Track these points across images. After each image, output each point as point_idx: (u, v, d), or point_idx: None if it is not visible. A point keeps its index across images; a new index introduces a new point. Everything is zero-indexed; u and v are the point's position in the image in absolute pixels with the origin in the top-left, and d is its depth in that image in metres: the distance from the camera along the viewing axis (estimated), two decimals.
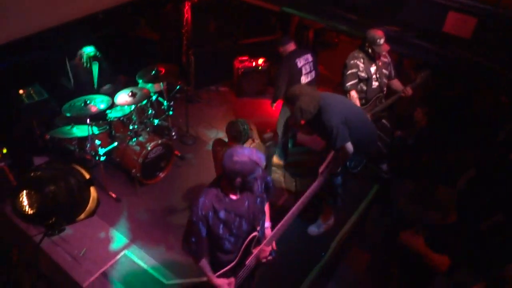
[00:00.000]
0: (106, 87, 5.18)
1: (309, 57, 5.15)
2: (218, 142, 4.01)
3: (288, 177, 5.40)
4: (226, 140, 3.92)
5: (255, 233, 2.81)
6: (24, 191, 1.76)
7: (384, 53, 4.53)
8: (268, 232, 3.01)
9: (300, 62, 5.10)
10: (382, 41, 4.35)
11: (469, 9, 4.30)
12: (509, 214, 3.98)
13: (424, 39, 4.68)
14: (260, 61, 6.78)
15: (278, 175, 5.44)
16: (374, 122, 4.60)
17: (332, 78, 6.90)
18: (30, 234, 3.68)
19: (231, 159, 2.48)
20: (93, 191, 1.96)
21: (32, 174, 1.81)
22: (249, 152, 2.51)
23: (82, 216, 1.93)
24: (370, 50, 4.44)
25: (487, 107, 5.10)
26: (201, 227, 2.64)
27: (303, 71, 5.11)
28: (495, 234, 3.94)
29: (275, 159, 5.62)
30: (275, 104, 5.45)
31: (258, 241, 2.87)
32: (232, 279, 2.88)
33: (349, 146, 3.73)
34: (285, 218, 2.87)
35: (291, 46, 5.15)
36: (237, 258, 2.84)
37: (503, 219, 4.01)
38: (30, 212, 1.76)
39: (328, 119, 3.66)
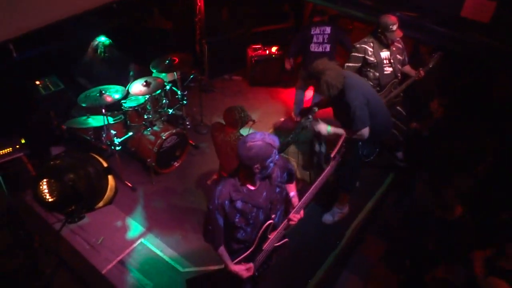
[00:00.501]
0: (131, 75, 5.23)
1: (326, 29, 5.24)
2: (216, 126, 4.05)
3: (302, 168, 5.39)
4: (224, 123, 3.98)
5: (270, 221, 2.82)
6: (45, 180, 1.79)
7: (398, 38, 4.45)
8: (295, 200, 3.00)
9: (314, 30, 5.24)
10: (395, 27, 4.26)
11: None
12: None
13: (441, 24, 4.57)
14: (274, 49, 6.73)
15: (292, 164, 5.43)
16: (389, 108, 4.55)
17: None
18: (50, 222, 3.77)
19: (245, 146, 2.47)
20: (111, 179, 1.98)
21: (51, 162, 1.83)
22: (261, 136, 2.50)
23: (101, 204, 1.95)
24: (382, 37, 4.37)
25: (506, 94, 4.98)
26: (217, 216, 2.66)
27: (314, 39, 5.22)
28: None
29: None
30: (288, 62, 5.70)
31: (274, 227, 2.88)
32: (250, 265, 2.90)
33: (366, 130, 3.68)
34: (310, 190, 2.89)
35: (316, 18, 5.38)
36: (254, 245, 2.85)
37: None
38: (51, 200, 1.79)
39: (352, 98, 3.58)
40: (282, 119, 6.25)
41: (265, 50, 6.73)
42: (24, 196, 4.59)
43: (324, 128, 3.84)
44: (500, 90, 5.08)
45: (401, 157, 5.30)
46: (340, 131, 3.78)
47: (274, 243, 2.94)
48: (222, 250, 2.84)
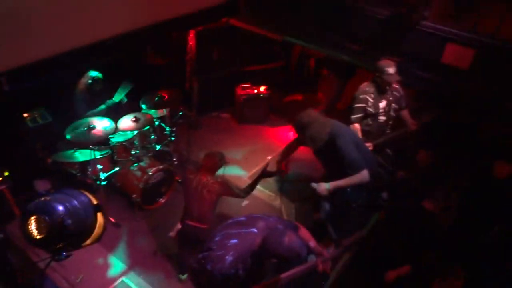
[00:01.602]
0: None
1: None
2: (191, 170, 4.12)
3: (287, 204, 5.38)
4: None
5: None
6: (34, 216, 1.77)
7: (395, 86, 4.51)
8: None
9: None
10: (391, 70, 4.29)
11: (467, 41, 4.41)
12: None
13: (424, 69, 4.76)
14: (262, 88, 6.86)
15: (277, 203, 5.43)
16: (376, 152, 4.61)
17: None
18: (32, 257, 3.67)
19: (280, 243, 2.60)
20: (100, 217, 1.97)
21: (42, 198, 1.82)
22: (298, 244, 2.68)
23: (88, 241, 1.93)
24: (379, 80, 4.38)
25: (489, 137, 5.12)
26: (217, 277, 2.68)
27: None
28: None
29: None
30: None
31: None
32: None
33: (365, 172, 3.69)
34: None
35: None
36: None
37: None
38: (39, 237, 1.77)
39: (343, 143, 3.61)
40: (269, 157, 6.29)
41: (254, 89, 6.85)
42: (4, 229, 4.46)
43: (324, 189, 3.80)
44: (483, 132, 5.24)
45: (386, 198, 5.34)
46: (340, 183, 3.75)
47: None
48: None
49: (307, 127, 3.55)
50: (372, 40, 5.07)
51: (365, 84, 4.57)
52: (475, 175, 4.67)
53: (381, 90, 4.47)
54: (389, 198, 5.33)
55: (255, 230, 2.70)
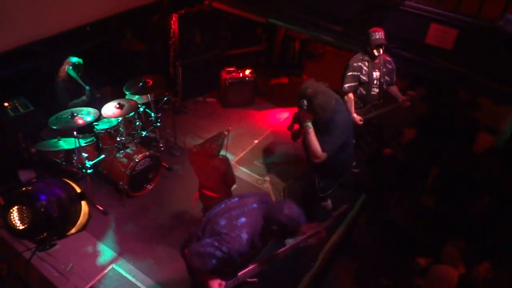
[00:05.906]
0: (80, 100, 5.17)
1: None
2: (193, 152, 4.03)
3: (275, 187, 5.42)
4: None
5: None
6: (15, 207, 1.75)
7: (388, 58, 4.53)
8: None
9: None
10: (377, 35, 4.30)
11: (450, 21, 4.42)
12: (495, 196, 4.14)
13: (407, 50, 4.78)
14: (247, 72, 6.82)
15: (266, 186, 5.47)
16: (364, 126, 4.62)
17: None
18: (18, 249, 3.63)
19: (281, 211, 2.64)
20: (84, 205, 1.96)
21: (23, 188, 1.80)
22: (298, 213, 2.67)
23: (73, 230, 1.92)
24: (369, 49, 4.38)
25: (467, 115, 5.22)
26: (235, 258, 2.71)
27: None
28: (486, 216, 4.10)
29: None
30: None
31: None
32: (223, 282, 2.89)
33: (323, 156, 3.70)
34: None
35: None
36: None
37: (490, 201, 4.16)
38: (22, 227, 1.75)
39: (337, 121, 3.63)
40: (256, 141, 6.30)
41: (239, 73, 6.81)
42: None
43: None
44: (462, 111, 5.33)
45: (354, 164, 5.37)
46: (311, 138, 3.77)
47: (247, 276, 2.99)
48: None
49: (316, 96, 3.49)
50: (355, 21, 5.05)
51: (358, 54, 4.55)
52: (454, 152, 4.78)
53: (372, 57, 4.44)
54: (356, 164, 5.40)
55: (255, 205, 2.80)
